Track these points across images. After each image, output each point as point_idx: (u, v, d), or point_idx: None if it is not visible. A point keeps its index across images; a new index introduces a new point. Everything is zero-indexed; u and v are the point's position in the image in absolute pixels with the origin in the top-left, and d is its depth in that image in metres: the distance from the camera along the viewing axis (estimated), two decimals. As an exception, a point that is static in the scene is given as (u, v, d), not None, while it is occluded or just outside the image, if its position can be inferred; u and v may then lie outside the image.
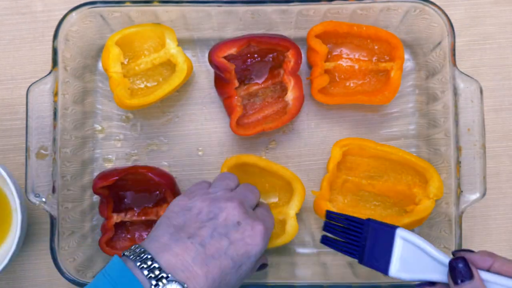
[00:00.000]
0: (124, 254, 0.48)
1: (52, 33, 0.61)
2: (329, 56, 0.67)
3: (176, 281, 0.45)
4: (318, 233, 0.67)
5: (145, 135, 0.69)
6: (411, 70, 0.69)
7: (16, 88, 0.70)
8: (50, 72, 0.61)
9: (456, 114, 0.61)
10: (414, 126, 0.68)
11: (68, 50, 0.63)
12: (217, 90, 0.67)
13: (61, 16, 0.62)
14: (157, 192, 0.66)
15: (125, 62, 0.66)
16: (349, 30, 0.64)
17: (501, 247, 0.68)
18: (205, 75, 0.69)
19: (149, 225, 0.66)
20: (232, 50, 0.62)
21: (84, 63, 0.67)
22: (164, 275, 0.45)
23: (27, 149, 0.60)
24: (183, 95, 0.69)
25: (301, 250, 0.67)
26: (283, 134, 0.69)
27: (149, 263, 0.46)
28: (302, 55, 0.65)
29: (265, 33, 0.66)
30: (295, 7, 0.63)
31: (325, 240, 0.55)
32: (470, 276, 0.46)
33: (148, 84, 0.67)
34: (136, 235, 0.66)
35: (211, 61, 0.63)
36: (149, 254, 0.46)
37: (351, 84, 0.67)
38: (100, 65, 0.69)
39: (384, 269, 0.51)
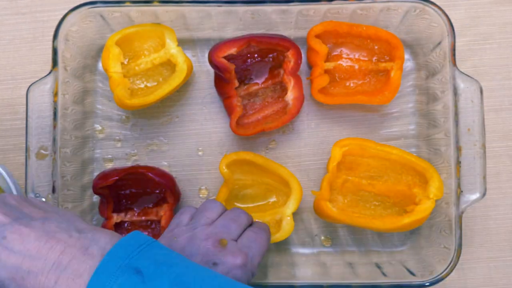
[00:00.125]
0: None
1: (52, 33, 0.61)
2: (329, 56, 0.67)
3: None
4: (318, 233, 0.67)
5: (145, 135, 0.69)
6: (411, 70, 0.69)
7: (16, 88, 0.70)
8: (50, 72, 0.61)
9: (456, 114, 0.61)
10: (414, 126, 0.68)
11: (68, 50, 0.63)
12: (217, 90, 0.67)
13: (61, 16, 0.62)
14: (157, 192, 0.66)
15: (125, 62, 0.66)
16: (349, 30, 0.64)
17: (501, 247, 0.68)
18: (205, 75, 0.69)
19: (149, 225, 0.66)
20: (232, 50, 0.62)
21: (84, 63, 0.67)
22: None
23: (27, 149, 0.60)
24: (183, 95, 0.69)
25: (301, 250, 0.67)
26: (283, 134, 0.69)
27: None
28: (302, 55, 0.65)
29: (265, 33, 0.66)
30: (295, 7, 0.63)
31: None
32: None
33: (148, 84, 0.67)
34: (136, 235, 0.66)
35: (211, 61, 0.63)
36: None
37: (351, 84, 0.67)
38: (100, 65, 0.69)
39: None
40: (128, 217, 0.65)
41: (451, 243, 0.60)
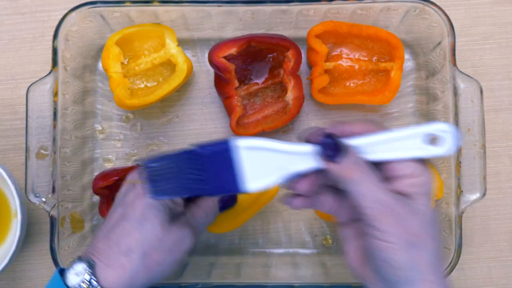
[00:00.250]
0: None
1: (52, 33, 0.61)
2: (329, 56, 0.67)
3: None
4: (318, 233, 0.67)
5: (145, 135, 0.69)
6: (411, 70, 0.69)
7: (16, 88, 0.70)
8: (50, 72, 0.61)
9: (456, 114, 0.61)
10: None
11: (68, 50, 0.63)
12: (217, 90, 0.66)
13: (61, 16, 0.62)
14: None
15: (125, 62, 0.66)
16: (349, 30, 0.64)
17: (501, 247, 0.68)
18: (205, 75, 0.69)
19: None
20: (232, 50, 0.62)
21: (84, 63, 0.67)
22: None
23: (27, 149, 0.60)
24: (183, 95, 0.69)
25: (301, 250, 0.67)
26: (283, 134, 0.69)
27: (86, 276, 0.46)
28: (302, 55, 0.65)
29: (265, 33, 0.66)
30: (295, 7, 0.63)
31: (156, 195, 0.46)
32: (342, 148, 0.41)
33: (148, 84, 0.67)
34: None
35: (211, 61, 0.63)
36: (84, 262, 0.46)
37: (351, 84, 0.67)
38: (100, 65, 0.69)
39: (240, 187, 0.43)
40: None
41: (451, 243, 0.60)
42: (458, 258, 0.59)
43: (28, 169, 0.60)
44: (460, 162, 0.60)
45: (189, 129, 0.69)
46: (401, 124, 0.68)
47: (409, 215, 0.41)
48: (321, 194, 0.46)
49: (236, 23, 0.66)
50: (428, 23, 0.64)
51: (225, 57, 0.62)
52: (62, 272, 0.47)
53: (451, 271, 0.59)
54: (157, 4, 0.62)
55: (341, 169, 0.41)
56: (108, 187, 0.63)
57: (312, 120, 0.69)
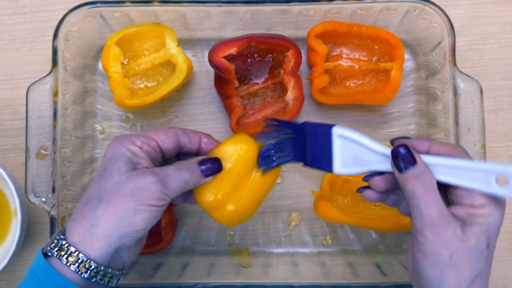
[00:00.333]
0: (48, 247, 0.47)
1: (52, 33, 0.61)
2: (329, 56, 0.67)
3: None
4: (318, 233, 0.67)
5: (145, 135, 0.69)
6: (411, 70, 0.69)
7: (16, 88, 0.70)
8: (50, 72, 0.61)
9: (456, 114, 0.61)
10: (414, 126, 0.68)
11: (68, 50, 0.63)
12: (217, 90, 0.66)
13: (61, 16, 0.62)
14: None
15: (125, 62, 0.66)
16: (349, 30, 0.64)
17: (501, 247, 0.68)
18: (205, 75, 0.69)
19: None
20: (232, 50, 0.62)
21: (84, 63, 0.67)
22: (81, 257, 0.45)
23: (27, 149, 0.60)
24: (183, 95, 0.69)
25: (301, 250, 0.67)
26: (283, 134, 0.69)
27: (66, 249, 0.45)
28: (302, 55, 0.65)
29: (265, 33, 0.66)
30: (295, 7, 0.63)
31: (264, 155, 0.52)
32: (413, 161, 0.45)
33: (148, 84, 0.67)
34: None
35: (211, 61, 0.63)
36: (63, 239, 0.46)
37: (351, 84, 0.67)
38: (100, 65, 0.69)
39: (329, 168, 0.50)
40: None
41: (451, 243, 0.60)
42: (458, 258, 0.59)
43: (28, 169, 0.60)
44: (460, 162, 0.60)
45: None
46: (401, 124, 0.68)
47: (453, 237, 0.43)
48: (392, 193, 0.50)
49: (236, 23, 0.66)
50: (428, 23, 0.64)
51: (225, 57, 0.62)
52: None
53: (451, 271, 0.59)
54: (157, 4, 0.62)
55: (404, 179, 0.45)
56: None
57: (312, 120, 0.69)
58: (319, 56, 0.64)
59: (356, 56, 0.67)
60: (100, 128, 0.69)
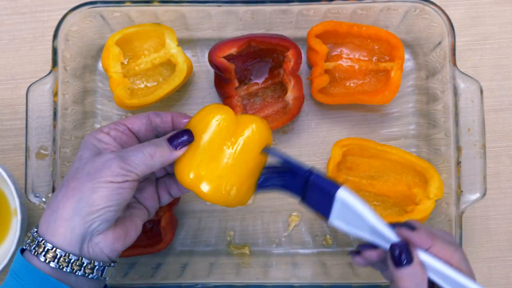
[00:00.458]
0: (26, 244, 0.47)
1: (52, 33, 0.61)
2: (329, 56, 0.67)
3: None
4: (318, 233, 0.67)
5: (145, 135, 0.69)
6: (411, 70, 0.69)
7: (16, 88, 0.70)
8: (50, 72, 0.61)
9: (456, 114, 0.61)
10: (414, 126, 0.68)
11: (68, 50, 0.63)
12: (217, 90, 0.66)
13: (61, 16, 0.62)
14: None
15: (125, 62, 0.66)
16: (349, 30, 0.64)
17: (501, 247, 0.68)
18: (205, 75, 0.69)
19: (147, 231, 0.66)
20: (232, 50, 0.62)
21: (84, 63, 0.67)
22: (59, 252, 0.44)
23: (27, 149, 0.60)
24: (183, 95, 0.69)
25: (301, 250, 0.67)
26: (283, 134, 0.69)
27: (35, 240, 0.45)
28: (302, 55, 0.65)
29: (265, 33, 0.66)
30: (295, 7, 0.63)
31: (263, 183, 0.51)
32: (410, 260, 0.45)
33: (148, 84, 0.67)
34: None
35: (211, 61, 0.63)
36: (36, 231, 0.46)
37: (351, 84, 0.67)
38: (100, 65, 0.69)
39: (326, 216, 0.49)
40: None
41: (451, 243, 0.60)
42: (458, 258, 0.59)
43: (28, 169, 0.60)
44: (460, 162, 0.60)
45: (189, 129, 0.69)
46: (401, 124, 0.68)
47: None
48: (382, 263, 0.50)
49: (236, 23, 0.66)
50: (428, 23, 0.64)
51: (225, 57, 0.62)
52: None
53: (451, 271, 0.59)
54: (157, 4, 0.62)
55: (398, 276, 0.45)
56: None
57: (312, 120, 0.69)
58: (319, 56, 0.64)
59: (356, 56, 0.67)
60: (100, 128, 0.69)
